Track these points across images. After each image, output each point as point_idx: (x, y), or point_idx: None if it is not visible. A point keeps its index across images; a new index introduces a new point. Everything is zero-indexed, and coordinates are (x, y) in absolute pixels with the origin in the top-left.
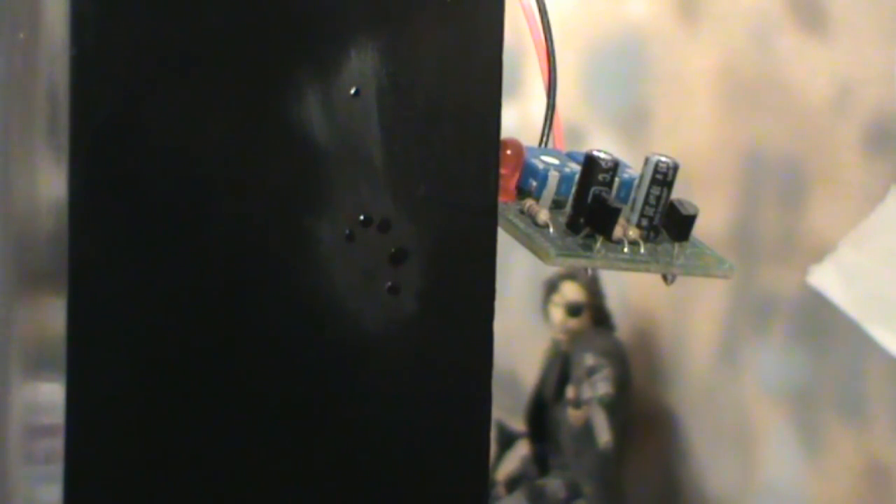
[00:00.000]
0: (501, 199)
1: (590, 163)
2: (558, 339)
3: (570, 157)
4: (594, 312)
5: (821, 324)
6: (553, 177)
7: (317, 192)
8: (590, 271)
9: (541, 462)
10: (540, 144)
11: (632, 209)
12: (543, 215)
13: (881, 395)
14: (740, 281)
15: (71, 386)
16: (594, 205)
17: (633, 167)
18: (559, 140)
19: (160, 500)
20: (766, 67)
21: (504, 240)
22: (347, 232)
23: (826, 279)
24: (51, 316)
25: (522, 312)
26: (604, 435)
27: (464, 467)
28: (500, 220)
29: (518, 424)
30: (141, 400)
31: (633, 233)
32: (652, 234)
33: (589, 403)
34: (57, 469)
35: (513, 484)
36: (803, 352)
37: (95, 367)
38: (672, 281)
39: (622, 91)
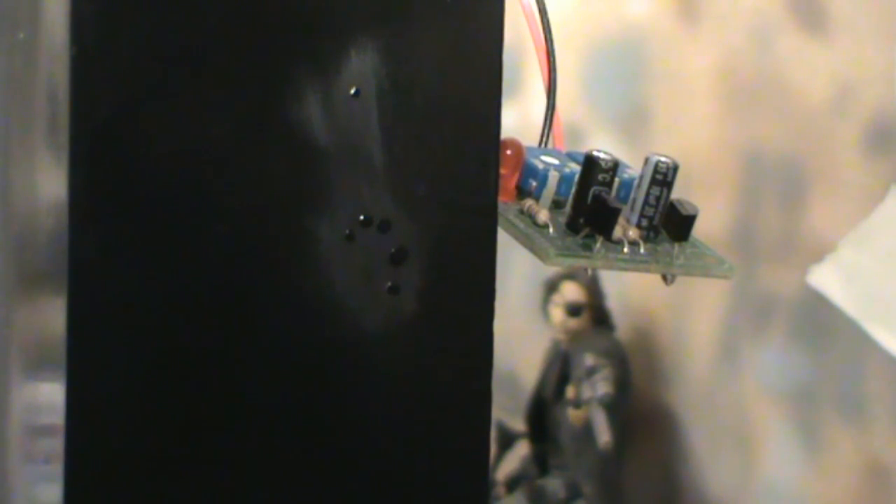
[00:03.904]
0: (501, 199)
1: (590, 163)
2: (558, 339)
3: (570, 157)
4: (594, 312)
5: (821, 324)
6: (553, 177)
7: (317, 192)
8: (590, 271)
9: (541, 462)
10: (540, 144)
11: (632, 209)
12: (543, 215)
13: (881, 395)
14: (740, 281)
15: (71, 386)
16: (594, 205)
17: (633, 167)
18: (559, 140)
19: (160, 500)
20: (766, 67)
21: (504, 240)
22: (347, 232)
23: (826, 279)
24: (51, 316)
25: (522, 312)
26: (604, 435)
27: (464, 467)
28: (500, 220)
29: (518, 424)
30: (141, 400)
31: (632, 233)
32: (652, 234)
33: (589, 403)
34: (57, 469)
35: (513, 484)
36: (803, 352)
37: (95, 367)
38: (672, 281)
39: (622, 91)
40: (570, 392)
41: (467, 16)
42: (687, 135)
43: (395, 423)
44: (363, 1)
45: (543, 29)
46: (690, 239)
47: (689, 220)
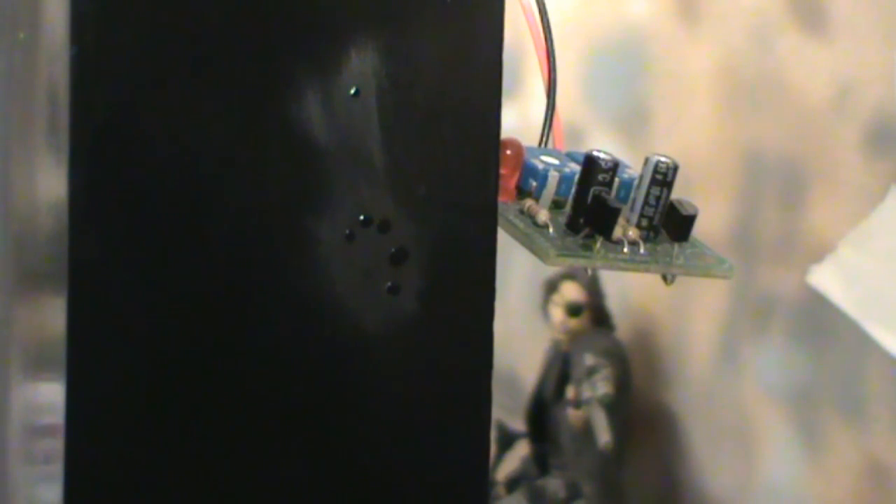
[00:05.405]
0: (501, 199)
1: (590, 163)
2: (558, 339)
3: (570, 157)
4: (594, 312)
5: (821, 324)
6: (553, 177)
7: (317, 192)
8: (590, 271)
9: (541, 462)
10: (540, 144)
11: (632, 209)
12: (543, 215)
13: (881, 395)
14: (740, 281)
15: (71, 386)
16: (594, 205)
17: (633, 167)
18: (559, 140)
19: (160, 500)
20: (766, 67)
21: (504, 240)
22: (347, 232)
23: (826, 279)
24: (51, 316)
25: (522, 312)
26: (604, 435)
27: (464, 467)
28: (500, 220)
29: (518, 424)
30: (141, 400)
31: (632, 233)
32: (652, 234)
33: (589, 403)
34: (57, 469)
35: (513, 484)
36: (803, 352)
37: (95, 367)
38: (672, 281)
39: (622, 91)
40: (570, 392)
41: (467, 16)
42: (687, 135)
43: (395, 423)
44: (363, 1)
45: (543, 29)
46: (690, 239)
47: (689, 220)
